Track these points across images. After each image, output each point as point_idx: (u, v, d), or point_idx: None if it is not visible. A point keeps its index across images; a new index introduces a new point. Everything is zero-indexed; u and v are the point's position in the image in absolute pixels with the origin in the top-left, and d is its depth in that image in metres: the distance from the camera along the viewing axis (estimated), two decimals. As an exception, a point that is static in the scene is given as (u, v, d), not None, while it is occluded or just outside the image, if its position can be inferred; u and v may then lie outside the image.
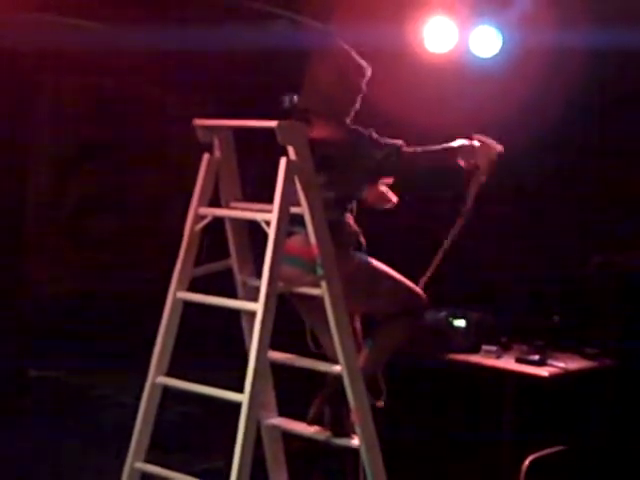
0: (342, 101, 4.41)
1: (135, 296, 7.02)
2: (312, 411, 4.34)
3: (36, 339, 6.84)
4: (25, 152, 7.34)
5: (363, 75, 4.45)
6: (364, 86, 4.46)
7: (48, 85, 7.41)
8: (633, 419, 5.76)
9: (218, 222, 4.34)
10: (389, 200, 4.62)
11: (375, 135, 4.29)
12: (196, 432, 6.19)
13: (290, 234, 4.14)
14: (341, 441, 4.31)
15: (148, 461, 4.32)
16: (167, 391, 4.34)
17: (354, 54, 4.44)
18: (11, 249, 7.18)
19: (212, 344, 6.44)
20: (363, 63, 4.45)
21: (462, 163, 4.51)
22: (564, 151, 6.33)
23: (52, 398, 6.49)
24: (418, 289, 4.45)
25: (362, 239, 4.41)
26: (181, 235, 4.29)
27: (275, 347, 4.21)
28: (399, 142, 4.31)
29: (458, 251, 6.58)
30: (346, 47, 4.45)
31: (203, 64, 6.71)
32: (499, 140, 5.16)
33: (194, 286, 4.32)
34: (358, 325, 4.56)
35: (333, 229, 4.16)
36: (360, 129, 4.30)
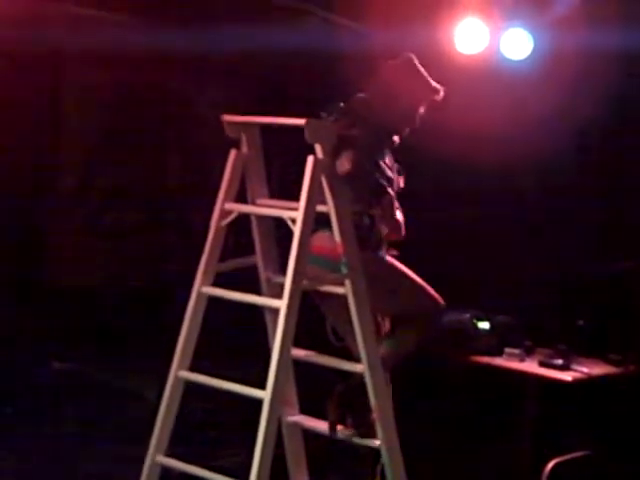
0: (396, 117, 4.39)
1: (159, 290, 7.04)
2: (331, 416, 4.31)
3: (59, 332, 6.87)
4: (47, 147, 7.38)
5: (433, 96, 4.44)
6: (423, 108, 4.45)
7: (73, 78, 7.43)
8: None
9: (244, 218, 4.35)
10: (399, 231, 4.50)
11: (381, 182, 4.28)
12: (218, 427, 6.19)
13: (313, 232, 4.14)
14: (362, 441, 4.31)
15: (169, 455, 4.33)
16: (190, 386, 4.35)
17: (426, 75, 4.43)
18: (34, 244, 7.24)
19: (235, 340, 6.45)
20: (436, 86, 4.44)
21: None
22: (595, 153, 6.32)
23: (75, 391, 6.51)
24: (435, 293, 4.43)
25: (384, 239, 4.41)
26: (207, 230, 4.30)
27: (297, 344, 4.21)
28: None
29: (485, 254, 6.62)
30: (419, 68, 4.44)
31: (234, 61, 6.73)
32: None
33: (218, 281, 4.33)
34: (387, 325, 4.55)
35: (357, 229, 4.17)
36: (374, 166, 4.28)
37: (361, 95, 4.40)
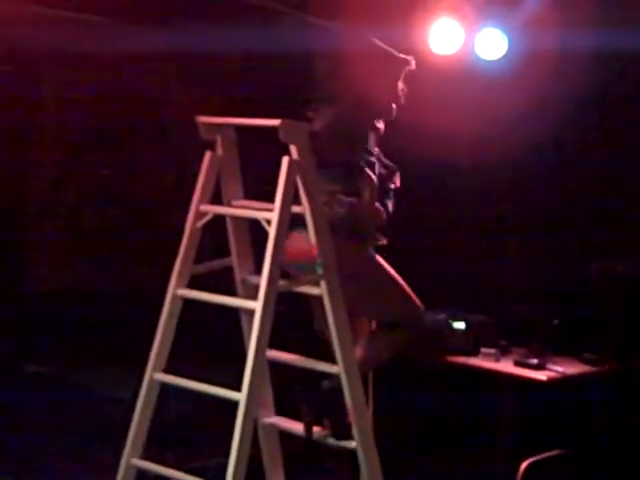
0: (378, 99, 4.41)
1: (135, 292, 7.02)
2: (306, 417, 4.31)
3: (35, 335, 6.84)
4: (26, 148, 7.35)
5: (405, 67, 4.48)
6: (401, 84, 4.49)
7: (51, 80, 7.41)
8: (631, 424, 5.75)
9: (219, 220, 4.34)
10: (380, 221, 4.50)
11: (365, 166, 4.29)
12: (193, 429, 6.18)
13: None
14: (338, 442, 4.31)
15: (145, 458, 4.31)
16: (165, 388, 4.34)
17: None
18: (10, 244, 7.19)
19: (211, 342, 6.44)
20: (405, 57, 4.48)
21: None
22: (567, 153, 6.34)
23: (50, 394, 6.48)
24: (417, 300, 4.43)
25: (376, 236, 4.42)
26: (182, 232, 4.29)
27: (274, 346, 4.21)
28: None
29: (459, 254, 6.63)
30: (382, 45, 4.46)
31: (210, 61, 6.72)
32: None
33: (194, 283, 4.32)
34: (366, 327, 4.56)
35: (342, 223, 4.17)
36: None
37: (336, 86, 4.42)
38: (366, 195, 4.33)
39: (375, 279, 4.36)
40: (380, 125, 4.48)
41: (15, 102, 7.14)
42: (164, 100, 7.48)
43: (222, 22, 6.07)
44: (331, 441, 4.32)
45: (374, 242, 4.43)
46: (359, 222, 4.31)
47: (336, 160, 4.28)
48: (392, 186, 4.50)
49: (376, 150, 4.47)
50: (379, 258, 4.44)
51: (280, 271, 4.02)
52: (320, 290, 4.11)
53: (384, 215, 4.43)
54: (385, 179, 4.46)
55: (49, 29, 6.43)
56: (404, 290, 4.39)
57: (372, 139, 4.45)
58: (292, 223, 4.11)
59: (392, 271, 4.41)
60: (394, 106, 4.49)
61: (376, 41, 4.48)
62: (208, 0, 6.22)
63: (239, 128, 4.34)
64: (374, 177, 4.35)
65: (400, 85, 4.50)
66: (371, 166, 4.37)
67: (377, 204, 4.40)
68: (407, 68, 4.50)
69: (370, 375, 5.15)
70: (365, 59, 4.41)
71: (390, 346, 4.45)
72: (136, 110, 7.43)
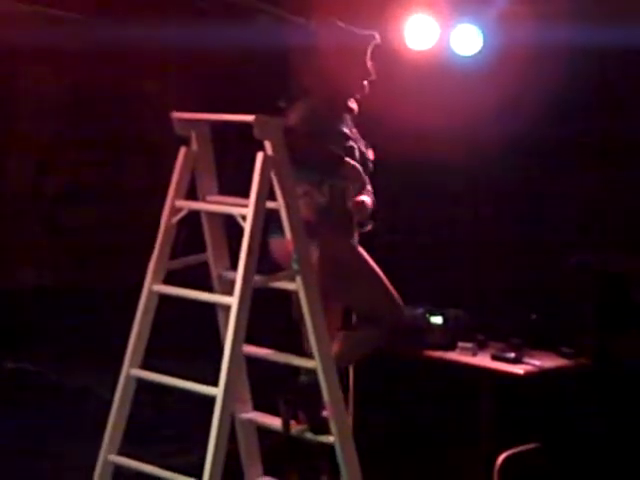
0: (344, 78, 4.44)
1: (114, 288, 7.00)
2: (283, 412, 4.33)
3: (14, 331, 6.82)
4: (2, 145, 7.32)
5: (370, 43, 4.51)
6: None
7: (27, 77, 7.38)
8: (607, 418, 5.78)
9: (194, 215, 4.34)
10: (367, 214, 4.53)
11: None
12: (171, 425, 6.17)
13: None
14: (315, 437, 4.32)
15: (122, 454, 4.31)
16: (142, 384, 4.34)
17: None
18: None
19: (188, 337, 6.43)
20: (368, 33, 4.51)
21: None
22: (544, 149, 6.35)
23: (29, 390, 6.47)
24: (399, 300, 4.45)
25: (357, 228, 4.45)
26: (157, 228, 4.29)
27: (252, 341, 4.22)
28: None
29: (437, 249, 6.65)
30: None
31: (186, 58, 6.71)
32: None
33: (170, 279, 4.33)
34: (339, 320, 4.58)
35: (323, 212, 4.20)
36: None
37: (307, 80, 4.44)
38: (350, 187, 4.35)
39: (356, 270, 4.38)
40: (354, 105, 4.51)
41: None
42: (140, 96, 7.46)
43: (196, 19, 6.07)
44: (309, 436, 4.34)
45: (358, 230, 4.46)
46: (340, 211, 4.33)
47: (313, 154, 4.29)
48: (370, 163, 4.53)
49: (354, 131, 4.49)
50: (361, 250, 4.46)
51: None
52: (296, 285, 4.12)
53: (369, 207, 4.45)
54: (366, 158, 4.49)
55: (28, 25, 6.41)
56: (384, 284, 4.41)
57: (348, 120, 4.47)
58: (266, 230, 4.14)
59: (373, 264, 4.43)
60: (365, 83, 4.52)
61: (338, 23, 4.51)
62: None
63: (214, 124, 4.34)
64: (356, 164, 4.37)
65: (368, 61, 4.53)
66: (351, 151, 4.39)
67: (362, 196, 4.41)
68: (373, 43, 4.52)
69: (350, 370, 5.18)
70: (332, 46, 4.44)
71: (368, 340, 4.46)
72: (113, 106, 7.41)
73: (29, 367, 6.82)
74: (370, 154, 4.53)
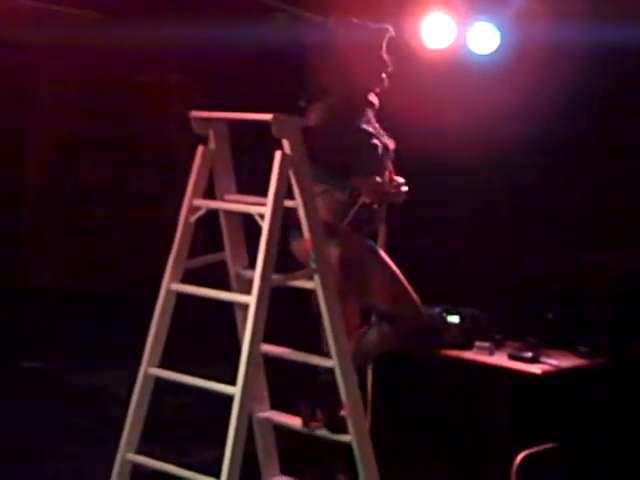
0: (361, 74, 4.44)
1: (131, 287, 7.01)
2: (301, 411, 4.33)
3: (30, 330, 6.83)
4: (21, 146, 7.34)
5: (385, 36, 4.50)
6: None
7: (47, 76, 7.41)
8: (625, 417, 5.77)
9: (212, 214, 4.34)
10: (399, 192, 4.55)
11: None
12: (189, 424, 6.18)
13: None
14: (333, 436, 4.31)
15: (140, 452, 4.32)
16: (160, 382, 4.34)
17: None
18: (6, 241, 7.18)
19: (206, 336, 6.43)
20: (382, 26, 4.51)
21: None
22: (561, 148, 6.34)
23: (46, 390, 6.48)
24: (417, 300, 4.44)
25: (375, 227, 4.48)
26: (175, 227, 4.29)
27: (269, 340, 4.22)
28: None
29: (453, 248, 6.64)
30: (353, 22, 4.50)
31: (201, 55, 6.71)
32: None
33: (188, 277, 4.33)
34: (357, 319, 4.58)
35: (343, 210, 4.20)
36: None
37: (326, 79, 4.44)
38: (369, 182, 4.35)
39: (375, 270, 4.37)
40: (374, 99, 4.51)
41: (9, 100, 7.14)
42: (158, 96, 7.47)
43: (214, 17, 6.06)
44: (326, 434, 4.33)
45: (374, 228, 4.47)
46: (361, 209, 4.34)
47: (332, 154, 4.28)
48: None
49: (376, 126, 4.48)
50: (380, 250, 4.46)
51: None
52: (314, 284, 4.11)
53: (403, 188, 4.48)
54: (389, 152, 4.49)
55: (46, 24, 6.42)
56: (402, 283, 4.40)
57: (369, 115, 4.47)
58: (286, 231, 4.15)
59: (392, 264, 4.42)
60: (384, 75, 4.52)
61: (353, 20, 4.51)
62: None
63: (232, 123, 4.34)
64: (379, 158, 4.37)
65: (384, 55, 4.53)
66: (374, 149, 4.38)
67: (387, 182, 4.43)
68: (387, 35, 4.52)
69: (369, 369, 5.17)
70: (348, 43, 4.43)
71: (386, 340, 4.45)
72: (130, 106, 7.42)
73: (45, 366, 6.83)
74: (391, 144, 4.52)
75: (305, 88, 4.47)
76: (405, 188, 4.52)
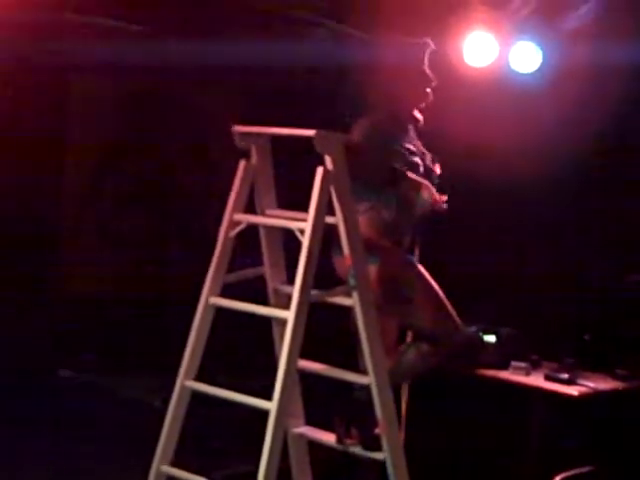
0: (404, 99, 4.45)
1: (167, 298, 7.04)
2: (337, 428, 4.32)
3: (68, 339, 6.86)
4: (60, 155, 7.39)
5: (426, 50, 4.53)
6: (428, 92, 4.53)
7: (79, 86, 7.46)
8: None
9: (252, 229, 4.35)
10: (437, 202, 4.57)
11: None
12: (223, 437, 6.18)
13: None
14: (367, 453, 4.30)
15: (175, 464, 4.32)
16: (196, 395, 4.35)
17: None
18: (45, 248, 7.24)
19: (244, 350, 6.45)
20: (422, 40, 4.53)
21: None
22: (604, 167, 6.31)
23: (82, 399, 6.50)
24: (457, 320, 4.42)
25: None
26: (215, 239, 4.30)
27: (304, 355, 4.21)
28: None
29: (492, 268, 6.61)
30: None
31: (243, 70, 6.74)
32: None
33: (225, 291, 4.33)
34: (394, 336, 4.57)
35: (388, 228, 4.24)
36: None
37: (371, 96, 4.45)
38: (407, 198, 4.35)
39: (416, 288, 4.37)
40: (419, 116, 4.51)
41: (49, 109, 7.20)
42: (200, 110, 7.51)
43: (258, 34, 6.09)
44: (359, 451, 4.32)
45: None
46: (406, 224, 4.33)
47: (375, 171, 4.29)
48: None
49: (418, 144, 4.48)
50: (422, 268, 4.45)
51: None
52: (352, 301, 4.11)
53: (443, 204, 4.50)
54: (431, 172, 4.49)
55: (84, 36, 6.48)
56: (443, 303, 4.39)
57: (411, 133, 4.47)
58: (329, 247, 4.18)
59: (433, 282, 4.41)
60: (428, 90, 4.52)
61: (394, 36, 4.55)
62: (245, 12, 6.24)
63: (275, 138, 4.35)
64: (419, 178, 4.36)
65: (427, 70, 4.53)
66: (416, 166, 4.38)
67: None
68: (428, 50, 4.54)
69: (405, 388, 5.15)
70: (391, 60, 4.46)
71: (424, 359, 4.44)
72: (171, 118, 7.46)
73: (82, 376, 6.86)
74: (437, 169, 4.52)
75: (352, 105, 4.48)
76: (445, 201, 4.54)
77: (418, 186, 4.34)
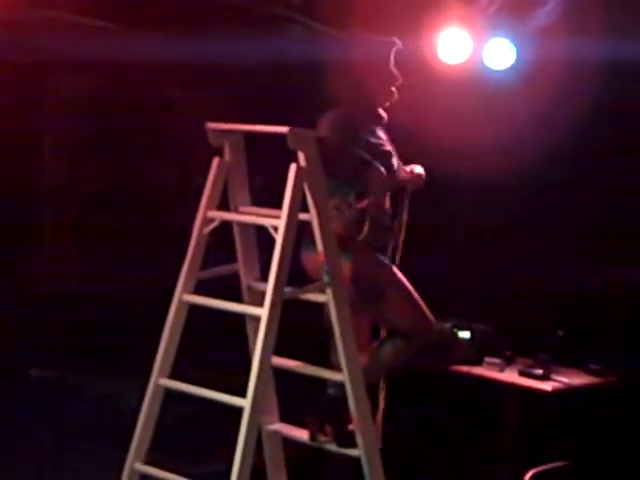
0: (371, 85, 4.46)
1: (138, 296, 7.01)
2: (310, 425, 4.33)
3: (37, 338, 6.82)
4: (30, 152, 7.36)
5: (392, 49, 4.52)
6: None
7: (55, 84, 7.43)
8: (635, 436, 5.74)
9: (226, 226, 4.34)
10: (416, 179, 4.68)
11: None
12: (197, 435, 6.17)
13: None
14: (341, 450, 4.30)
15: (148, 463, 4.31)
16: (169, 393, 4.34)
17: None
18: (12, 247, 7.20)
19: (216, 347, 6.43)
20: (390, 40, 4.53)
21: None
22: (576, 164, 6.33)
23: (52, 398, 6.47)
24: (430, 316, 4.44)
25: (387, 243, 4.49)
26: (188, 236, 4.29)
27: (278, 352, 4.21)
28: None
29: (465, 265, 6.63)
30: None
31: (216, 67, 6.73)
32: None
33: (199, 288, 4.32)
34: (368, 333, 4.57)
35: (354, 227, 4.22)
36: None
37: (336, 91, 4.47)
38: (377, 191, 4.33)
39: (388, 285, 4.36)
40: (383, 114, 4.51)
41: (20, 107, 7.16)
42: (170, 105, 7.49)
43: (232, 29, 6.08)
44: (333, 448, 4.32)
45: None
46: (371, 225, 4.33)
47: (343, 164, 4.28)
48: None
49: (384, 139, 4.49)
50: (393, 266, 4.46)
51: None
52: (326, 297, 4.11)
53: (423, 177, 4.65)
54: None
55: (56, 34, 6.45)
56: (415, 299, 4.40)
57: (378, 130, 4.47)
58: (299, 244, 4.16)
59: (404, 280, 4.42)
60: (393, 89, 4.52)
61: (361, 34, 4.55)
62: (219, 7, 6.23)
63: (247, 135, 4.34)
64: (382, 169, 4.35)
65: (392, 67, 4.53)
66: (388, 155, 4.39)
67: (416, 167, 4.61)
68: (394, 49, 4.53)
69: (382, 384, 5.15)
70: (358, 57, 4.47)
71: (398, 355, 4.45)
72: (142, 115, 7.44)
73: (53, 375, 6.82)
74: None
75: (319, 100, 4.48)
76: (422, 172, 4.66)
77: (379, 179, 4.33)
